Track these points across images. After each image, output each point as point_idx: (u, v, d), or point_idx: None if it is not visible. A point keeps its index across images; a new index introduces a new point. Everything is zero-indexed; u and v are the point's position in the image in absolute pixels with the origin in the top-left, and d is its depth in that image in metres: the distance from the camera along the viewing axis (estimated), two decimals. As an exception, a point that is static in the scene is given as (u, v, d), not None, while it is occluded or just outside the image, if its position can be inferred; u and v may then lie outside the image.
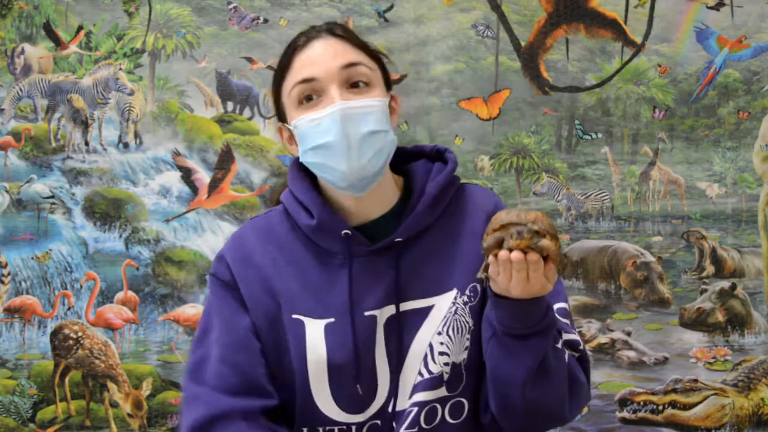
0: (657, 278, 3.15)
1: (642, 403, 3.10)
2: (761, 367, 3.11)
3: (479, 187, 1.60)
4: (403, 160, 1.59)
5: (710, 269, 3.15)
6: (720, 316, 3.12)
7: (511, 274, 1.34)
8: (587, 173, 3.19)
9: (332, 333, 1.48)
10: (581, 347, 1.50)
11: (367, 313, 1.48)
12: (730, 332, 3.12)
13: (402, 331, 1.49)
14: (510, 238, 1.33)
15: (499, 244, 1.34)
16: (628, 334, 3.14)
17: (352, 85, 1.47)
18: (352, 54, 1.48)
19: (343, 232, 1.48)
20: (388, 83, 1.54)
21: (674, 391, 3.09)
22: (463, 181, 1.59)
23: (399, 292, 1.49)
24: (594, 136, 3.17)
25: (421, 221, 1.50)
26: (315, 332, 1.48)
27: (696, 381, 3.09)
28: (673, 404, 3.09)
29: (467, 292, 1.50)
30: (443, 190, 1.52)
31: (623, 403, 3.11)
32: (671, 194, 3.17)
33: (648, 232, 3.18)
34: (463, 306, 1.50)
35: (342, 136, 1.44)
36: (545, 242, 1.33)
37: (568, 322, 1.51)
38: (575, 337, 1.49)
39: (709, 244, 3.14)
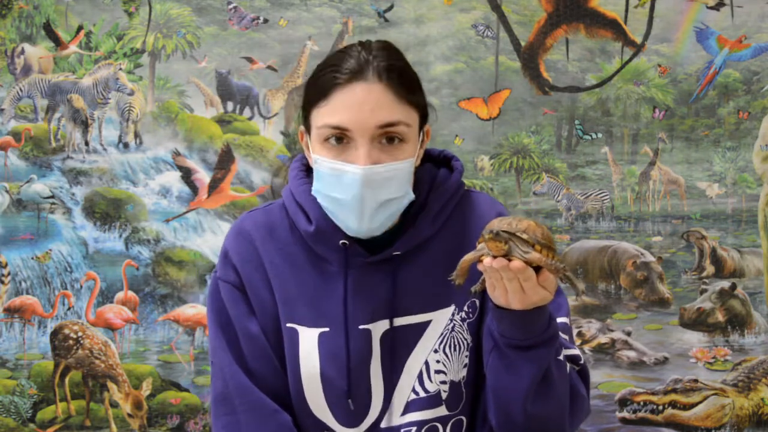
0: (657, 278, 3.15)
1: (642, 403, 3.10)
2: (761, 367, 3.11)
3: (484, 196, 1.55)
4: None
5: (710, 269, 3.14)
6: (720, 316, 3.12)
7: (504, 285, 1.30)
8: (587, 173, 3.19)
9: (326, 343, 1.46)
10: (581, 362, 1.47)
11: (361, 327, 1.46)
12: (730, 332, 3.12)
13: (397, 346, 1.46)
14: (488, 245, 1.28)
15: (479, 257, 1.29)
16: (628, 334, 3.14)
17: (388, 140, 1.40)
18: (392, 111, 1.40)
19: (341, 242, 1.45)
20: (424, 118, 1.48)
21: (674, 391, 3.09)
22: (467, 185, 1.55)
23: (394, 307, 1.45)
24: (594, 136, 3.17)
25: (421, 235, 1.47)
26: (309, 341, 1.46)
27: (696, 381, 3.09)
28: (673, 404, 3.09)
29: (465, 308, 1.48)
30: (446, 203, 1.48)
31: (623, 403, 3.11)
32: (671, 194, 3.17)
33: (648, 232, 3.18)
34: (461, 322, 1.47)
35: (358, 200, 1.39)
36: (533, 254, 1.27)
37: (567, 337, 1.47)
38: (576, 351, 1.47)
39: (709, 244, 3.14)
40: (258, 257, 1.49)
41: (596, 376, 3.12)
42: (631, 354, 3.13)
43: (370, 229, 1.42)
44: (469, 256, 1.32)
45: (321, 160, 1.42)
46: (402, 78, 1.42)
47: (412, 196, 1.45)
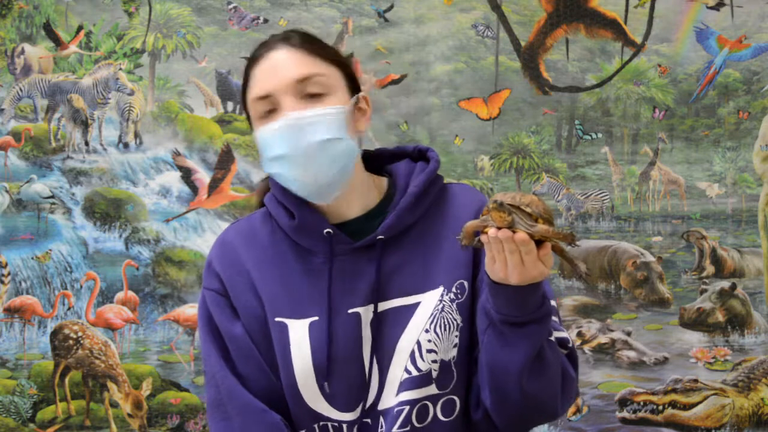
0: (657, 278, 3.15)
1: (642, 403, 3.10)
2: (761, 367, 3.11)
3: (464, 187, 1.60)
4: (385, 162, 1.60)
5: (710, 269, 3.15)
6: (720, 316, 3.12)
7: (505, 257, 1.32)
8: (587, 173, 3.19)
9: (316, 331, 1.48)
10: (570, 344, 1.50)
11: (350, 311, 1.48)
12: (730, 332, 3.12)
13: (388, 328, 1.49)
14: (492, 215, 1.30)
15: (483, 227, 1.32)
16: (628, 334, 3.14)
17: (310, 96, 1.47)
18: (307, 66, 1.48)
19: (325, 231, 1.49)
20: (355, 86, 1.54)
21: (674, 391, 3.10)
22: (460, 181, 1.58)
23: (381, 289, 1.49)
24: (594, 136, 3.17)
25: (403, 220, 1.50)
26: (299, 332, 1.49)
27: (696, 381, 3.10)
28: (673, 404, 3.09)
29: (454, 289, 1.50)
30: (425, 189, 1.52)
31: (623, 403, 3.11)
32: (671, 194, 3.17)
33: (648, 232, 3.18)
34: (450, 303, 1.50)
35: (293, 147, 1.45)
36: (539, 227, 1.30)
37: (556, 319, 1.50)
38: (564, 334, 1.50)
39: (709, 244, 3.15)
40: (241, 262, 1.53)
41: (596, 376, 3.12)
42: (631, 354, 3.13)
43: (315, 175, 1.46)
44: (473, 223, 1.35)
45: (259, 131, 1.49)
46: (306, 37, 1.52)
47: (353, 144, 1.49)
